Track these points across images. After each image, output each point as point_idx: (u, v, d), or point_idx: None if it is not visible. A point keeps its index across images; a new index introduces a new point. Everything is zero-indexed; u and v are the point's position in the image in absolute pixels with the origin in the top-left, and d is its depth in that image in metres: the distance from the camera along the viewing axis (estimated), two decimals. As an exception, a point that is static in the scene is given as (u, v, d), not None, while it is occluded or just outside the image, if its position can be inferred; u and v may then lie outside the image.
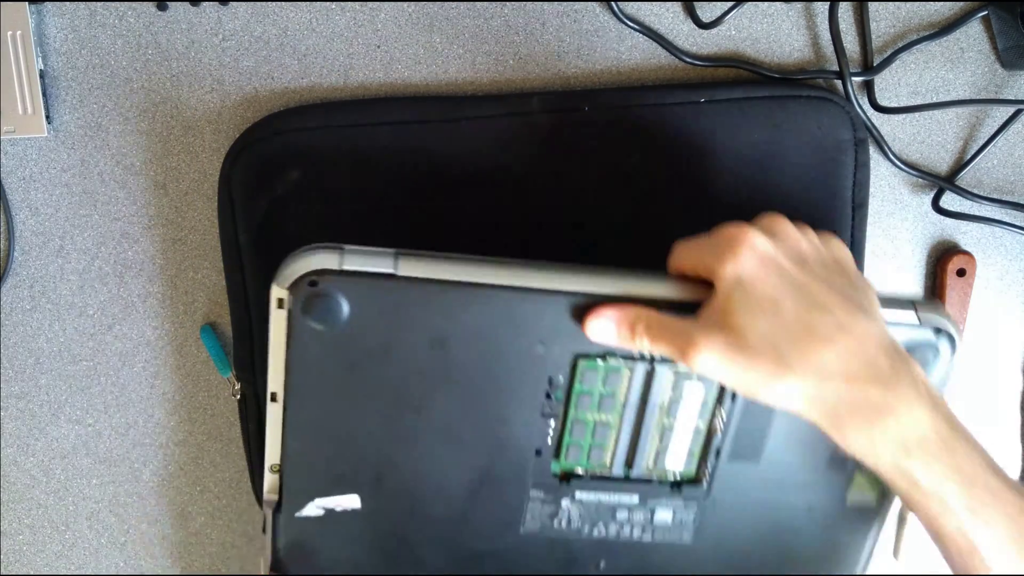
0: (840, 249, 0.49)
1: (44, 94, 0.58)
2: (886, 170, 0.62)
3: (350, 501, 0.55)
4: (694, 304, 0.48)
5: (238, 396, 0.63)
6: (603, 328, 0.49)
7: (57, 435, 0.65)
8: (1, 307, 0.62)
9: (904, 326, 0.52)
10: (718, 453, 0.55)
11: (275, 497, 0.56)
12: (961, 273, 0.63)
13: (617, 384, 0.53)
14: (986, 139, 0.62)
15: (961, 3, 0.59)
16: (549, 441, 0.54)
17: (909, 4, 0.59)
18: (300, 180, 0.58)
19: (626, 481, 0.56)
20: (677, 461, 0.55)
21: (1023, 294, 0.65)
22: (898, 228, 0.64)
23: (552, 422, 0.54)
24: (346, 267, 0.49)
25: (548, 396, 0.52)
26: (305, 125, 0.58)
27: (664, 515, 0.57)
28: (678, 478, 0.56)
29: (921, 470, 0.44)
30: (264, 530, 0.57)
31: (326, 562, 0.57)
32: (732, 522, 0.57)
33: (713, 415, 0.54)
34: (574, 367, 0.52)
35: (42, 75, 0.57)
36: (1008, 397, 0.67)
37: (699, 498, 0.56)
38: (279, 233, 0.58)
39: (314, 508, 0.55)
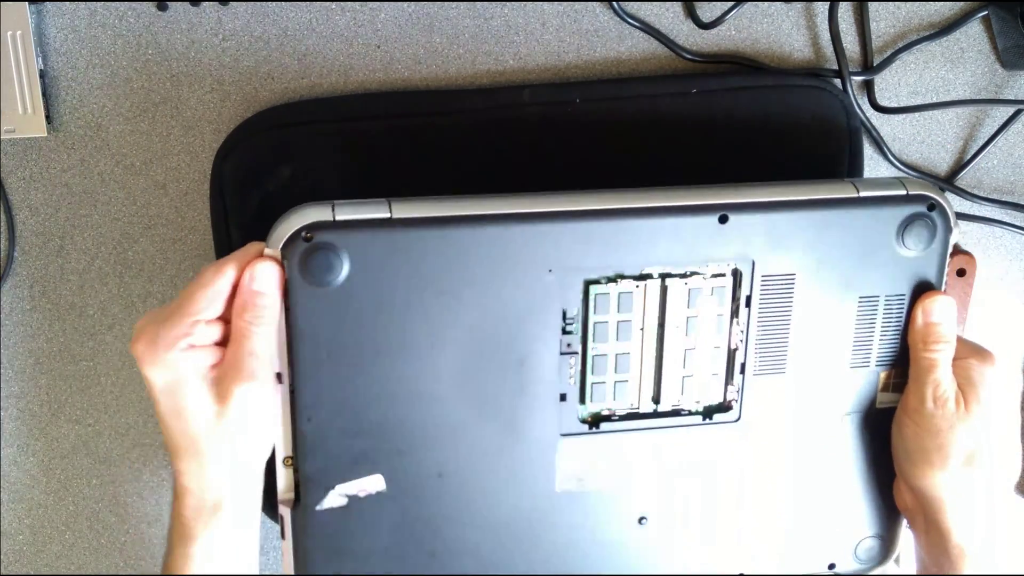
0: None
1: (44, 94, 0.58)
2: (885, 170, 0.62)
3: (374, 483, 0.51)
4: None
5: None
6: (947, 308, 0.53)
7: (57, 435, 0.65)
8: (1, 307, 0.62)
9: (895, 201, 0.50)
10: (743, 369, 0.52)
11: (291, 495, 0.50)
12: (961, 273, 0.63)
13: (631, 307, 0.50)
14: (986, 139, 0.62)
15: (961, 3, 0.59)
16: (572, 382, 0.51)
17: (909, 4, 0.59)
18: (291, 177, 0.58)
19: (655, 416, 0.53)
20: (702, 387, 0.53)
21: (1023, 294, 0.65)
22: (898, 228, 0.64)
23: (572, 360, 0.51)
24: (339, 217, 0.46)
25: (564, 331, 0.50)
26: (295, 121, 0.58)
27: (701, 450, 0.53)
28: (707, 406, 0.53)
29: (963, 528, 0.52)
30: (283, 535, 0.51)
31: (356, 560, 0.52)
32: (771, 445, 0.54)
33: (730, 330, 0.52)
34: (586, 295, 0.50)
35: (42, 75, 0.57)
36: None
37: (732, 424, 0.53)
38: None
39: (336, 497, 0.51)
